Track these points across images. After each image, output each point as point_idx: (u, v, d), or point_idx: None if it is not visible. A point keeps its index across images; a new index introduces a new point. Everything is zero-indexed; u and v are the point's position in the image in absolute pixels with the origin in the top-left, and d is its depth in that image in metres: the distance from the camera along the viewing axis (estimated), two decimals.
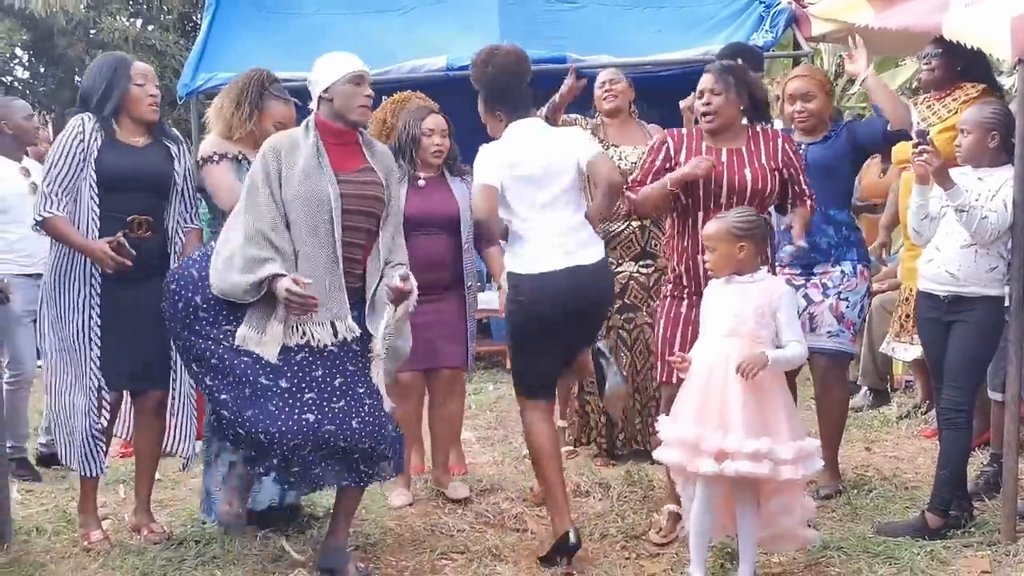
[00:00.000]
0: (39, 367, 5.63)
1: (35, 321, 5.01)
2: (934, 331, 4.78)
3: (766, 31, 8.33)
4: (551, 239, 4.58)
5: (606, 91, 6.12)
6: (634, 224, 5.94)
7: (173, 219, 4.92)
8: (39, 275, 5.30)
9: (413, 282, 4.42)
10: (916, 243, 4.93)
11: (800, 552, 4.50)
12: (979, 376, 4.78)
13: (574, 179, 4.67)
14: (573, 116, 6.05)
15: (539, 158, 4.63)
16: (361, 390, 4.35)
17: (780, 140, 4.75)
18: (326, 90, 4.39)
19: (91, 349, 4.74)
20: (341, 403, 4.27)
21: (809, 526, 4.35)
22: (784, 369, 4.18)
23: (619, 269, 5.87)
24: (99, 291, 4.74)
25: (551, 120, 5.51)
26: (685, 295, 4.70)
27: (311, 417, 4.20)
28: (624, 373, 5.85)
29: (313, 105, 4.45)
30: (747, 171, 4.60)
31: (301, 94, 4.89)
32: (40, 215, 4.68)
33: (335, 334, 4.30)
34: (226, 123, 4.95)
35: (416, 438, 5.94)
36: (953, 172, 4.57)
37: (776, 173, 4.67)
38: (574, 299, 4.55)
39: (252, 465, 4.42)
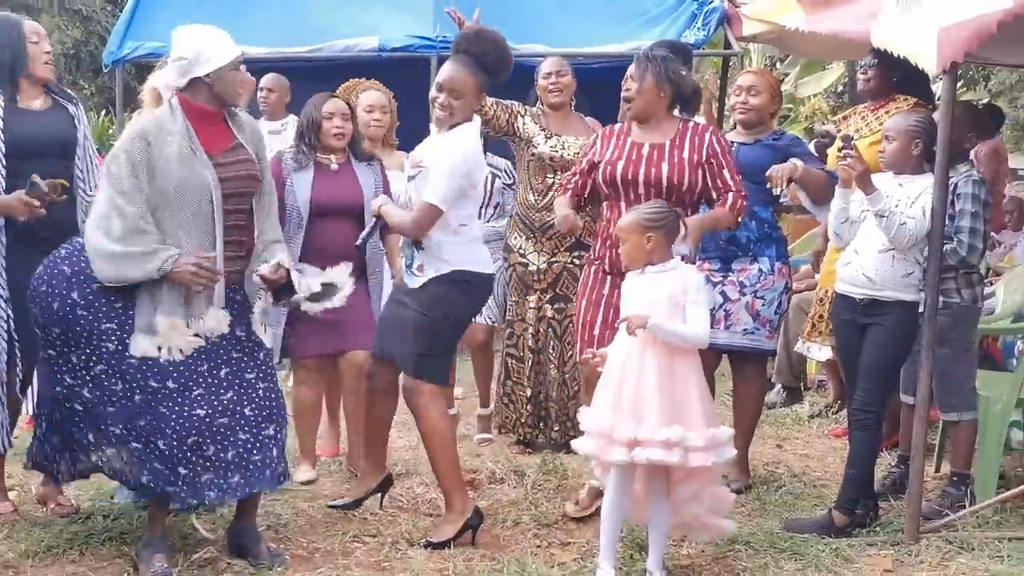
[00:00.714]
0: None
1: None
2: (849, 333, 4.86)
3: (698, 29, 8.39)
4: (478, 238, 4.80)
5: (552, 83, 5.97)
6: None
7: (76, 184, 4.84)
8: None
9: (285, 267, 4.34)
10: (837, 246, 5.01)
11: (708, 545, 4.55)
12: (891, 379, 4.87)
13: None
14: (510, 102, 5.95)
15: (482, 164, 4.80)
16: (250, 375, 4.32)
17: (708, 134, 4.81)
18: (208, 74, 4.21)
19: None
20: (229, 393, 4.23)
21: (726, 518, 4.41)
22: (669, 340, 4.12)
23: (553, 260, 5.88)
24: (4, 259, 4.63)
25: None
26: (607, 277, 4.81)
27: (201, 412, 4.14)
28: (554, 362, 5.99)
29: (179, 82, 4.23)
30: (664, 166, 4.69)
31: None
32: None
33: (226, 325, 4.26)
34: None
35: (331, 419, 5.92)
36: (875, 178, 4.65)
37: (699, 168, 4.73)
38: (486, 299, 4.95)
39: (161, 488, 4.16)
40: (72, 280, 4.13)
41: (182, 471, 4.10)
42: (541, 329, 5.99)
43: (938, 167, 4.43)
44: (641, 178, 4.69)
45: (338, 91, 6.02)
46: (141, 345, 4.11)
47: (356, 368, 5.36)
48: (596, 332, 4.80)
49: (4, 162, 4.61)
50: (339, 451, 5.93)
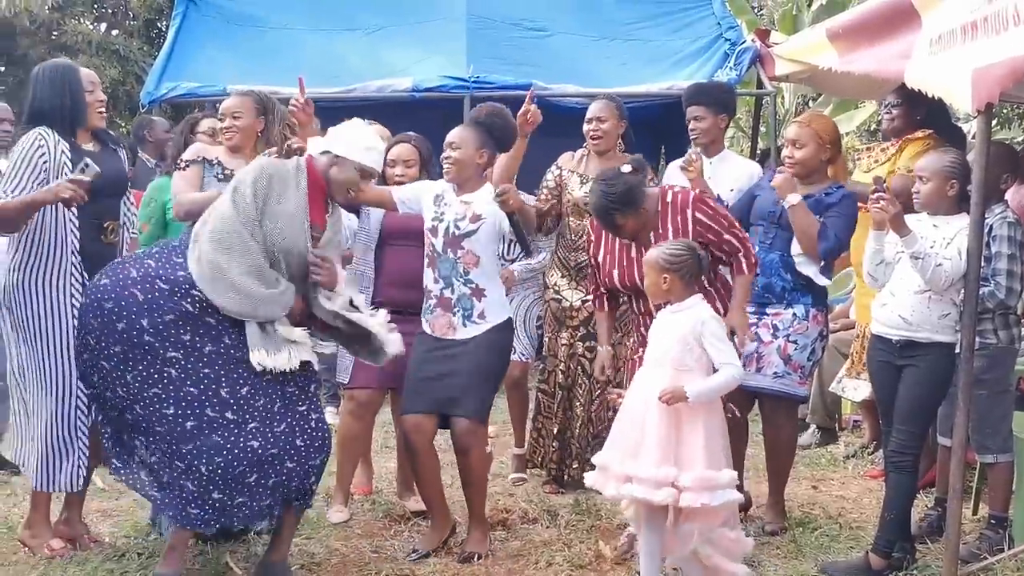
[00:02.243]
0: None
1: None
2: (885, 374, 4.83)
3: (730, 69, 8.42)
4: None
5: (592, 129, 5.94)
6: None
7: (124, 222, 5.01)
8: None
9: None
10: (871, 287, 4.98)
11: None
12: (927, 421, 4.83)
13: None
14: (546, 181, 6.10)
15: None
16: (302, 408, 4.43)
17: (689, 210, 4.75)
18: (337, 156, 4.50)
19: (69, 352, 4.65)
20: (282, 426, 4.33)
21: (749, 564, 4.39)
22: (716, 396, 4.25)
23: (587, 299, 5.87)
24: (79, 293, 4.66)
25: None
26: (632, 329, 5.00)
27: (255, 444, 4.24)
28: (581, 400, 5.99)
29: (314, 150, 4.53)
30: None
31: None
32: None
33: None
34: None
35: (364, 457, 5.91)
36: (909, 219, 4.62)
37: (698, 235, 4.74)
38: None
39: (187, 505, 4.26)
40: (144, 307, 4.24)
41: (216, 496, 4.19)
42: (571, 366, 5.99)
43: (974, 208, 4.41)
44: (639, 283, 4.72)
45: None
46: (259, 358, 4.31)
47: None
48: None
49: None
50: (372, 490, 5.93)
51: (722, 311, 4.74)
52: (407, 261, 5.30)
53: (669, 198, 4.79)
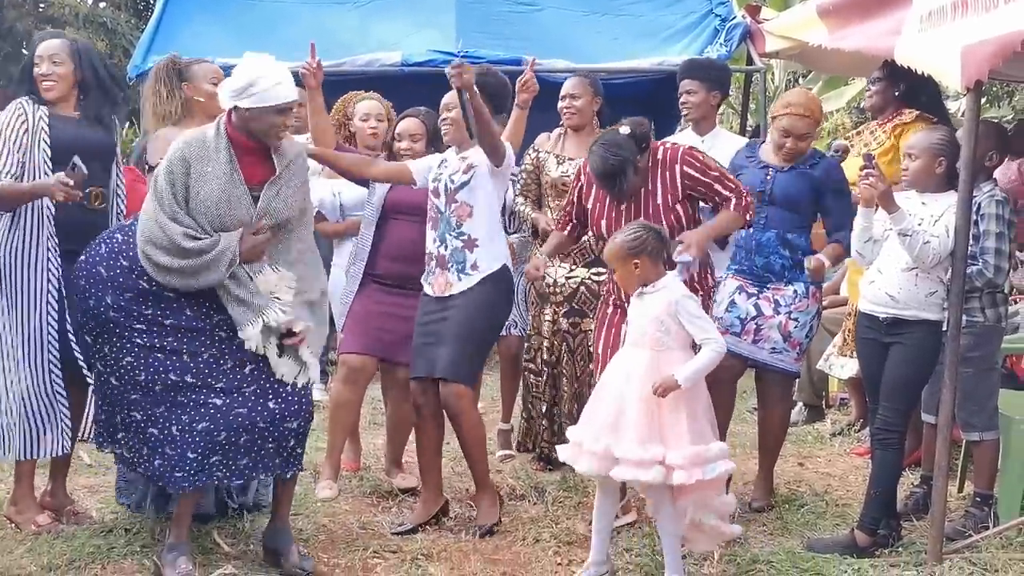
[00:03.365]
0: None
1: None
2: (872, 351, 4.84)
3: (720, 44, 8.40)
4: None
5: (566, 106, 5.95)
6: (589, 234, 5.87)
7: (113, 189, 4.97)
8: None
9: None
10: (859, 264, 4.99)
11: (729, 564, 4.54)
12: (913, 398, 4.84)
13: None
14: (526, 160, 6.07)
15: None
16: (275, 375, 4.44)
17: (677, 165, 4.78)
18: (249, 109, 4.29)
19: (48, 327, 4.70)
20: (253, 387, 4.37)
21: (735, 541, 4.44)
22: (704, 374, 4.26)
23: (571, 274, 5.86)
24: (58, 268, 4.70)
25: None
26: (611, 302, 4.93)
27: (218, 401, 4.29)
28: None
29: (228, 103, 4.32)
30: (650, 205, 4.77)
31: None
32: None
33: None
34: (158, 115, 5.00)
35: (351, 434, 5.90)
36: (897, 196, 4.63)
37: (681, 203, 4.78)
38: None
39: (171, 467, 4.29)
40: (108, 284, 4.32)
41: (191, 455, 4.23)
42: (556, 342, 5.95)
43: (962, 185, 4.41)
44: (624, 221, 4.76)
45: (337, 103, 6.09)
46: (251, 336, 4.32)
47: (404, 381, 5.33)
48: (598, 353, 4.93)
49: (51, 167, 4.68)
50: (359, 466, 5.93)
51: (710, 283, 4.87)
52: (407, 234, 5.32)
53: (660, 154, 4.80)
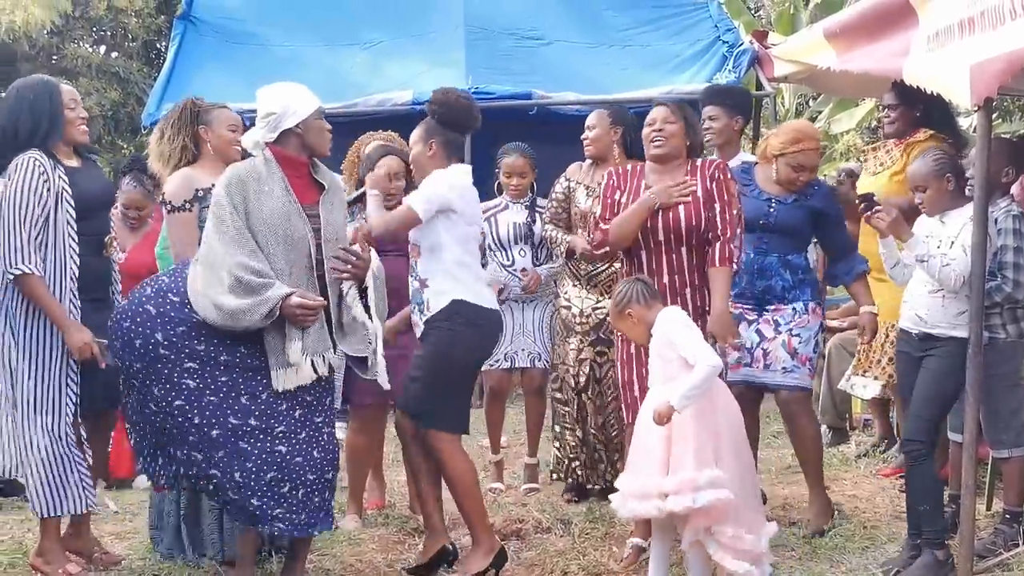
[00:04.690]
0: None
1: None
2: (906, 365, 4.88)
3: (729, 71, 8.43)
4: (481, 278, 4.98)
5: (584, 137, 6.03)
6: (616, 265, 5.80)
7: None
8: None
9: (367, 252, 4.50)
10: (898, 285, 5.01)
11: None
12: (940, 410, 4.75)
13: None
14: (555, 191, 6.13)
15: (475, 203, 4.96)
16: (319, 419, 4.42)
17: (716, 168, 4.90)
18: (298, 124, 4.36)
19: (68, 378, 4.66)
20: (303, 434, 4.34)
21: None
22: (700, 392, 4.28)
23: (597, 306, 5.87)
24: (79, 316, 4.68)
25: None
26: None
27: (283, 449, 4.25)
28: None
29: (268, 137, 4.37)
30: (680, 209, 4.80)
31: None
32: (16, 269, 4.54)
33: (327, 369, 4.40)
34: (155, 154, 5.00)
35: (375, 471, 5.91)
36: (918, 222, 4.74)
37: (711, 203, 4.82)
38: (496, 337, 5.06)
39: (230, 515, 4.34)
40: (157, 320, 4.25)
41: (255, 502, 4.20)
42: (582, 371, 5.96)
43: (977, 203, 4.41)
44: (660, 223, 4.81)
45: (353, 145, 6.07)
46: (282, 379, 4.26)
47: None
48: (636, 393, 4.84)
49: (75, 226, 4.67)
50: (385, 503, 5.94)
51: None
52: (392, 270, 5.30)
53: (699, 162, 4.95)
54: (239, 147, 4.84)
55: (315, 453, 4.34)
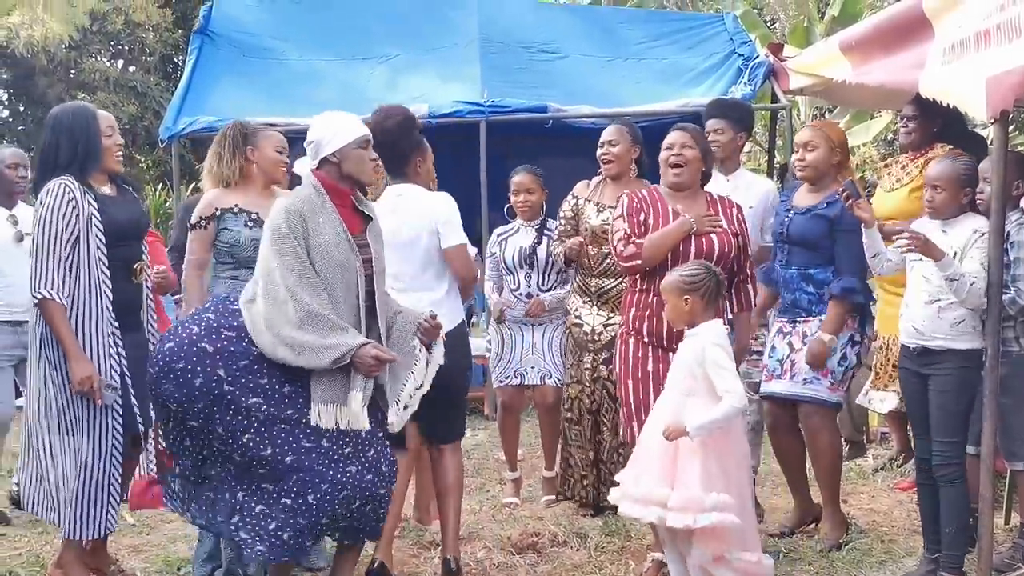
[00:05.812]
0: (18, 408, 5.56)
1: (14, 366, 4.95)
2: (910, 381, 4.85)
3: (744, 84, 8.44)
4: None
5: (603, 153, 5.91)
6: (626, 282, 5.80)
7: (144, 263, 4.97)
8: (22, 323, 5.33)
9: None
10: (874, 274, 5.04)
11: None
12: (961, 429, 4.74)
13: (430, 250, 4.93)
14: (564, 209, 6.07)
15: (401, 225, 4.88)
16: (381, 434, 4.42)
17: (735, 209, 5.01)
18: (334, 153, 4.34)
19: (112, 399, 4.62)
20: (371, 452, 4.33)
21: None
22: (716, 428, 4.25)
23: (609, 322, 5.85)
24: (119, 340, 4.65)
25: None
26: (649, 351, 4.89)
27: (353, 469, 4.23)
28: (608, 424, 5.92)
29: (312, 164, 4.40)
30: (714, 236, 4.87)
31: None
32: (39, 293, 4.53)
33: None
34: (215, 176, 5.04)
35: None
36: (917, 224, 4.71)
37: (736, 238, 4.91)
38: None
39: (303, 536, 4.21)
40: (216, 357, 4.15)
41: (324, 521, 4.18)
42: (596, 389, 5.94)
43: (993, 215, 4.40)
44: (693, 247, 4.82)
45: None
46: (325, 416, 4.19)
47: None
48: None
49: (105, 252, 4.64)
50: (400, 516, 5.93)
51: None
52: None
53: (715, 196, 5.05)
54: (285, 169, 4.95)
55: (383, 468, 4.35)
